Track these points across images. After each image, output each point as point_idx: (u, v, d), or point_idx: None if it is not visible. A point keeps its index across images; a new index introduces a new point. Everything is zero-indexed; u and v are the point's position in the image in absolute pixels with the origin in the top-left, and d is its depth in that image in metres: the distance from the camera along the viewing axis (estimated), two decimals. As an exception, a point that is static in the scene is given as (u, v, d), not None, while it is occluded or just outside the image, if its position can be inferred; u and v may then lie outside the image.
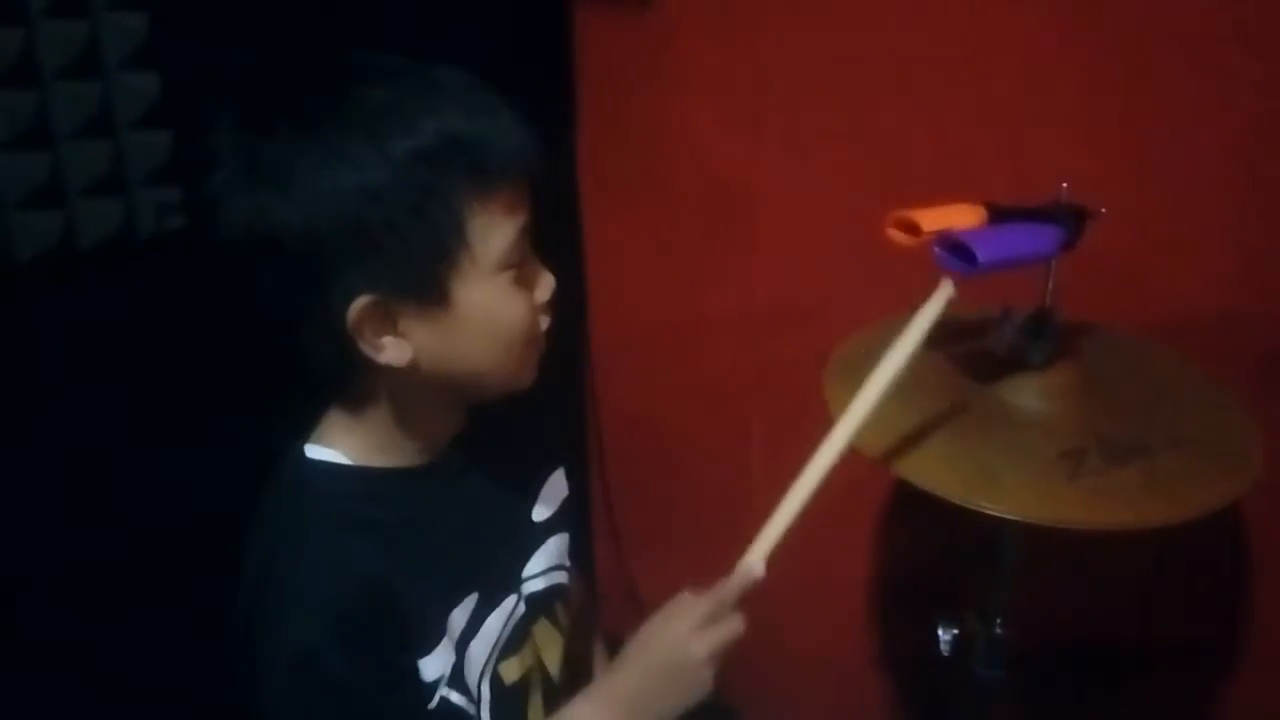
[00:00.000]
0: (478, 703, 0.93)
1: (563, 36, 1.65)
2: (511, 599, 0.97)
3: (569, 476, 1.07)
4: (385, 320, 0.80)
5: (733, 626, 0.87)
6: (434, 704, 0.88)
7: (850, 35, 1.41)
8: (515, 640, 0.97)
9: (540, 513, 1.02)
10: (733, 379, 1.71)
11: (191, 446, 1.27)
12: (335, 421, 0.90)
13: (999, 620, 1.15)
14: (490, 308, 0.82)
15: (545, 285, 0.87)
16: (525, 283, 0.85)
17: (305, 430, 0.91)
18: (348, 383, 0.87)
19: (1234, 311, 1.23)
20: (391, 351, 0.81)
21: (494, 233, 0.80)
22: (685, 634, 0.86)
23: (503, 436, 0.96)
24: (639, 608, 1.86)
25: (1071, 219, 1.00)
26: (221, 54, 1.18)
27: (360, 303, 0.78)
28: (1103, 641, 1.46)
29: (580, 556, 1.10)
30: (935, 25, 1.33)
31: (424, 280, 0.79)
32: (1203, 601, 1.39)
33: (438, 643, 0.88)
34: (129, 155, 1.15)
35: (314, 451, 0.89)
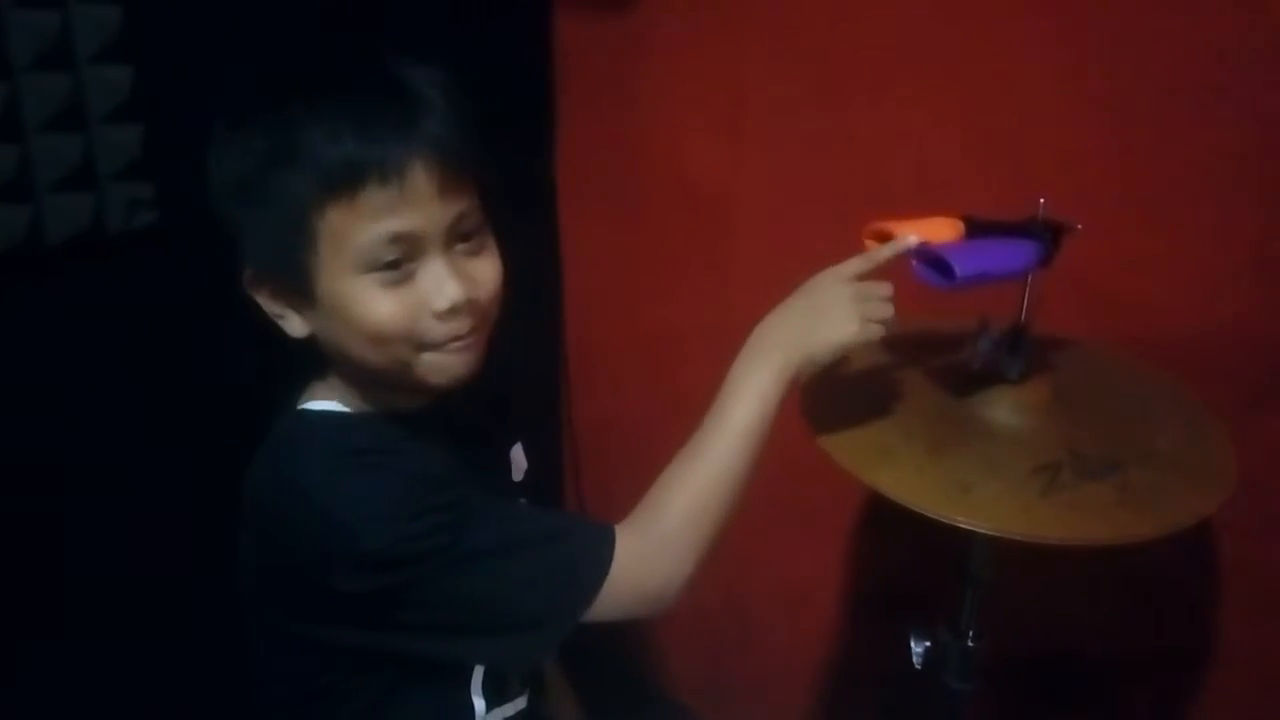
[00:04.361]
0: None
1: (544, 44, 1.64)
2: None
3: (542, 478, 1.09)
4: (274, 296, 0.89)
5: (881, 288, 0.95)
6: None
7: (830, 46, 1.41)
8: None
9: (515, 475, 1.09)
10: (709, 388, 1.70)
11: (159, 445, 1.26)
12: (318, 387, 0.95)
13: (971, 633, 1.15)
14: (349, 305, 0.86)
15: (442, 294, 0.86)
16: (406, 285, 0.86)
17: (290, 400, 0.95)
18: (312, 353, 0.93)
19: (1208, 327, 1.23)
20: (292, 322, 0.90)
21: (351, 236, 0.83)
22: (830, 277, 0.96)
23: (473, 408, 1.01)
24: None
25: (1049, 234, 1.00)
26: (195, 48, 1.17)
27: (248, 272, 0.89)
28: (1074, 655, 1.47)
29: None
30: (916, 37, 1.34)
31: (285, 266, 0.86)
32: (1173, 616, 1.40)
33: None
34: (99, 149, 1.14)
35: (315, 405, 0.94)
